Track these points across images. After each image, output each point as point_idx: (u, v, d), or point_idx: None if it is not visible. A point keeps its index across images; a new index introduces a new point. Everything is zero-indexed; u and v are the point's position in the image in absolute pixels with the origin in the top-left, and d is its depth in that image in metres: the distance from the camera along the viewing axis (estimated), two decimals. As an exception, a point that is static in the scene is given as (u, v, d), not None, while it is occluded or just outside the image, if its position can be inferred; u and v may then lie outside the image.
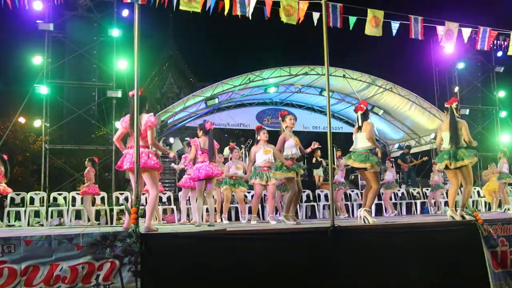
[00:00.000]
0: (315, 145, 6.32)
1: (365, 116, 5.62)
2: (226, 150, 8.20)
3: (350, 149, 5.63)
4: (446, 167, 5.56)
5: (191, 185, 7.43)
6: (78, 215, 9.51)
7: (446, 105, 5.71)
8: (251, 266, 3.85)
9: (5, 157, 8.36)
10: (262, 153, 6.61)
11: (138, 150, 4.00)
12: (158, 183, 4.77)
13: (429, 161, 11.83)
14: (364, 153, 5.42)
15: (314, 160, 12.58)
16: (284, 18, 4.76)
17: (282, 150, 5.85)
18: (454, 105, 5.61)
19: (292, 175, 5.77)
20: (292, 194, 5.84)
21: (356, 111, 5.68)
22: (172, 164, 8.97)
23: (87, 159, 9.02)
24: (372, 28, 5.12)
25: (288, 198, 5.96)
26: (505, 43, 6.04)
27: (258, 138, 6.67)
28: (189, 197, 7.87)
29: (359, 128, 5.56)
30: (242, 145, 12.69)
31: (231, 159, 8.01)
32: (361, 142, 5.50)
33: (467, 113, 13.20)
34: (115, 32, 11.10)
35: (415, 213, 11.16)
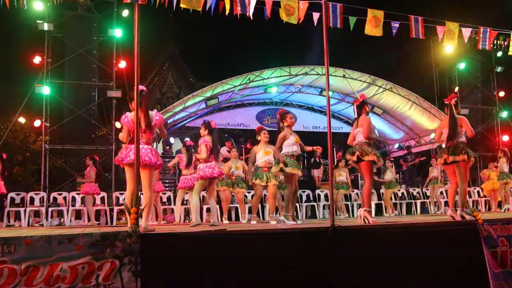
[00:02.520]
0: (319, 149, 6.37)
1: (360, 108, 5.61)
2: (223, 150, 8.23)
3: (353, 144, 5.63)
4: (445, 163, 5.56)
5: (189, 184, 7.44)
6: (78, 215, 9.51)
7: (446, 102, 5.72)
8: (251, 266, 3.85)
9: (4, 156, 8.36)
10: (262, 154, 6.62)
11: (138, 149, 4.00)
12: (157, 182, 4.81)
13: (429, 161, 11.82)
14: (357, 145, 5.43)
15: (313, 160, 12.59)
16: (284, 17, 4.76)
17: (280, 148, 5.88)
18: (453, 101, 5.62)
19: (297, 172, 5.80)
20: (290, 193, 5.85)
21: (353, 104, 5.70)
22: (169, 165, 8.98)
23: (88, 158, 9.01)
24: (372, 28, 5.12)
25: (286, 197, 5.96)
26: (505, 43, 6.05)
27: (259, 138, 6.68)
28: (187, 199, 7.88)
29: (356, 121, 5.58)
30: (242, 145, 12.68)
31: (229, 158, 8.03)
32: (359, 136, 5.51)
33: (467, 113, 13.18)
34: (115, 32, 11.09)
35: (415, 213, 11.16)
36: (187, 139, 7.85)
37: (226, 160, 8.50)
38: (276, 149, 5.96)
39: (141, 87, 4.39)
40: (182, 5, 4.35)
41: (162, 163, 4.62)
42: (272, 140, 6.68)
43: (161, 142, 13.83)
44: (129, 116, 4.48)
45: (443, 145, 5.65)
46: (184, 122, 14.03)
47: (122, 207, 8.88)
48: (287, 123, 5.94)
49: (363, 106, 5.60)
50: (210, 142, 6.01)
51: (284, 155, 5.84)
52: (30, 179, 11.62)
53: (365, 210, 5.26)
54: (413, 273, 4.25)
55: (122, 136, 4.54)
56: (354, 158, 5.39)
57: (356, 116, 5.66)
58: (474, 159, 5.51)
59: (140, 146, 4.27)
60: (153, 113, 4.48)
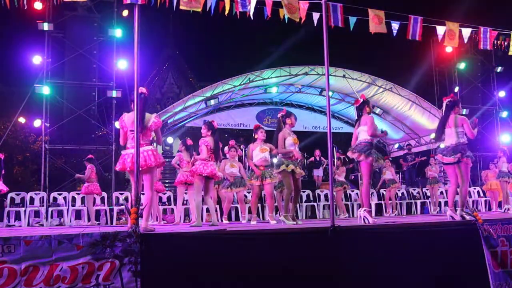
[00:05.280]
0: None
1: (360, 109, 5.60)
2: (226, 150, 8.20)
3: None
4: (443, 163, 5.57)
5: (186, 179, 7.44)
6: (78, 215, 9.51)
7: (443, 100, 5.75)
8: (251, 266, 3.85)
9: (1, 156, 8.34)
10: (258, 151, 6.60)
11: (138, 150, 4.00)
12: (159, 182, 4.83)
13: (428, 161, 11.82)
14: (359, 145, 5.44)
15: (313, 159, 12.59)
16: (287, 14, 4.77)
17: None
18: (446, 101, 5.64)
19: (300, 171, 5.82)
20: (288, 193, 5.84)
21: (354, 105, 5.73)
22: (172, 162, 8.94)
23: (85, 160, 8.96)
24: (376, 26, 5.12)
25: (285, 198, 5.94)
26: (505, 43, 6.05)
27: (256, 136, 6.68)
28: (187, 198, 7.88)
29: (357, 122, 5.60)
30: (242, 145, 12.68)
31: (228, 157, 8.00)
32: (360, 135, 5.51)
33: (467, 113, 13.19)
34: (115, 32, 11.09)
35: (415, 213, 11.16)
36: (188, 139, 7.85)
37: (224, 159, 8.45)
38: (281, 150, 5.91)
39: (142, 89, 4.38)
40: (182, 7, 4.36)
41: (164, 162, 4.60)
42: (269, 139, 6.70)
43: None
44: (125, 117, 4.49)
45: (442, 145, 5.65)
46: (184, 122, 14.03)
47: (122, 207, 8.88)
48: (291, 122, 5.95)
49: (363, 106, 5.59)
50: (211, 142, 6.00)
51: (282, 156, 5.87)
52: (30, 179, 11.61)
53: (365, 210, 5.26)
54: (413, 273, 4.25)
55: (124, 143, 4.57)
56: (355, 156, 5.39)
57: (356, 117, 5.67)
58: (472, 159, 5.50)
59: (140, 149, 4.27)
60: (152, 116, 4.45)
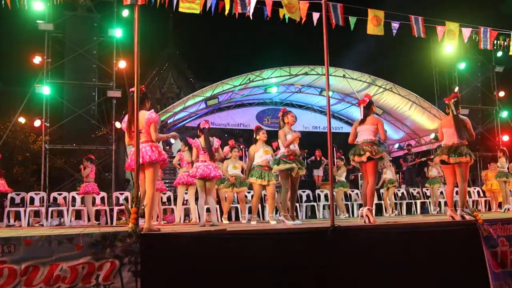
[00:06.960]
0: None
1: (367, 109, 5.56)
2: (226, 149, 8.18)
3: (354, 142, 5.57)
4: (445, 162, 5.53)
5: (186, 180, 7.44)
6: (78, 215, 9.50)
7: (446, 101, 5.73)
8: (251, 266, 3.85)
9: None
10: (262, 153, 6.60)
11: (138, 149, 4.00)
12: (158, 182, 4.83)
13: (428, 161, 11.83)
14: (362, 145, 5.42)
15: (313, 159, 12.59)
16: (287, 14, 4.77)
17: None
18: (452, 101, 5.62)
19: (290, 167, 5.83)
20: (286, 191, 5.84)
21: (359, 104, 5.66)
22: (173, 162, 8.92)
23: (84, 160, 8.93)
24: (374, 28, 5.13)
25: (282, 197, 5.95)
26: (505, 43, 6.06)
27: (258, 138, 6.67)
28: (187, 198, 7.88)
29: (362, 121, 5.52)
30: (241, 145, 12.67)
31: (230, 157, 7.99)
32: (364, 134, 5.45)
33: (467, 113, 13.18)
34: (115, 32, 11.09)
35: (415, 213, 11.16)
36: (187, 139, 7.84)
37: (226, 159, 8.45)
38: (285, 144, 5.89)
39: (132, 89, 4.38)
40: (181, 9, 4.37)
41: (165, 159, 4.57)
42: (270, 139, 6.70)
43: (160, 142, 13.80)
44: (126, 118, 4.50)
45: (444, 143, 5.63)
46: (184, 122, 14.03)
47: (122, 207, 8.88)
48: (288, 120, 5.97)
49: (370, 106, 5.58)
50: (202, 142, 6.02)
51: (282, 155, 5.88)
52: (30, 179, 11.60)
53: (368, 209, 5.25)
54: (413, 273, 4.25)
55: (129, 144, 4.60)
56: (364, 158, 5.31)
57: (362, 117, 5.53)
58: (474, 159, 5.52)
59: (140, 146, 4.27)
60: (146, 113, 4.43)
